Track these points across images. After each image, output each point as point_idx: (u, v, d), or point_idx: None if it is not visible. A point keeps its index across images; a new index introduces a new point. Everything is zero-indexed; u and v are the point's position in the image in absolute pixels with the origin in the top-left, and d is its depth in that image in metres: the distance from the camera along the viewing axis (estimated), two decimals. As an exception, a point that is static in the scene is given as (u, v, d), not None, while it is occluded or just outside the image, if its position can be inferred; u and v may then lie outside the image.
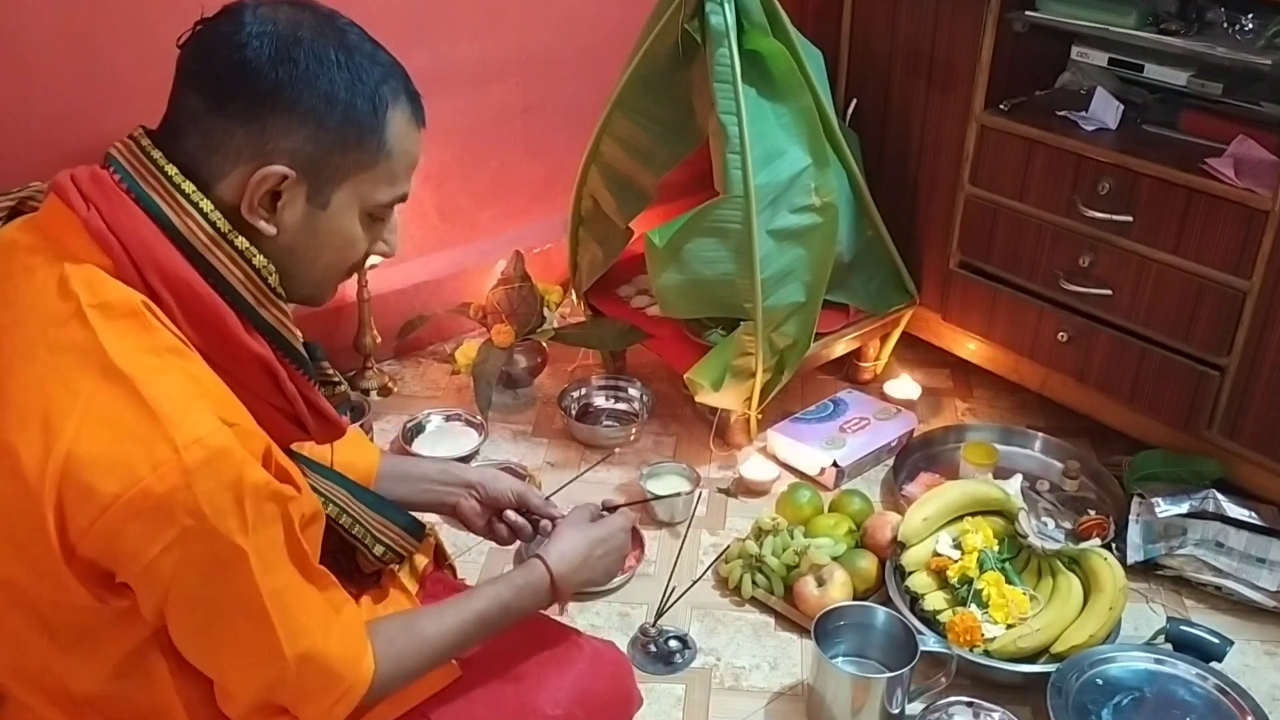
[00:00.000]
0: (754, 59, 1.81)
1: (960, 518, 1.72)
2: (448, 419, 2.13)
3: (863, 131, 2.13)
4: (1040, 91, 2.03)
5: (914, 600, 1.65)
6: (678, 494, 1.88)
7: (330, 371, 1.12)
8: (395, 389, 2.25)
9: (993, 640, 1.55)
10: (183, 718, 1.06)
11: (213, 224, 0.92)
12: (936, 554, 1.66)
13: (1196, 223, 1.72)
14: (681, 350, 2.04)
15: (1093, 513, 1.86)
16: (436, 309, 2.28)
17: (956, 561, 1.64)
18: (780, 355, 1.96)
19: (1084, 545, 1.63)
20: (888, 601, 1.63)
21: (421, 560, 1.43)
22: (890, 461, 2.04)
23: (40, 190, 1.00)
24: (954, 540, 1.68)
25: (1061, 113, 1.92)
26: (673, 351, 2.08)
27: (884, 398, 2.21)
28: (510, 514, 1.51)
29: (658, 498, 1.87)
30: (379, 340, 2.21)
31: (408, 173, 1.01)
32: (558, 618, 1.44)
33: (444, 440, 2.08)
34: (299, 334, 1.02)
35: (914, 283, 2.18)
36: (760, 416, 2.06)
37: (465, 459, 2.02)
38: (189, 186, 0.92)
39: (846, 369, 2.30)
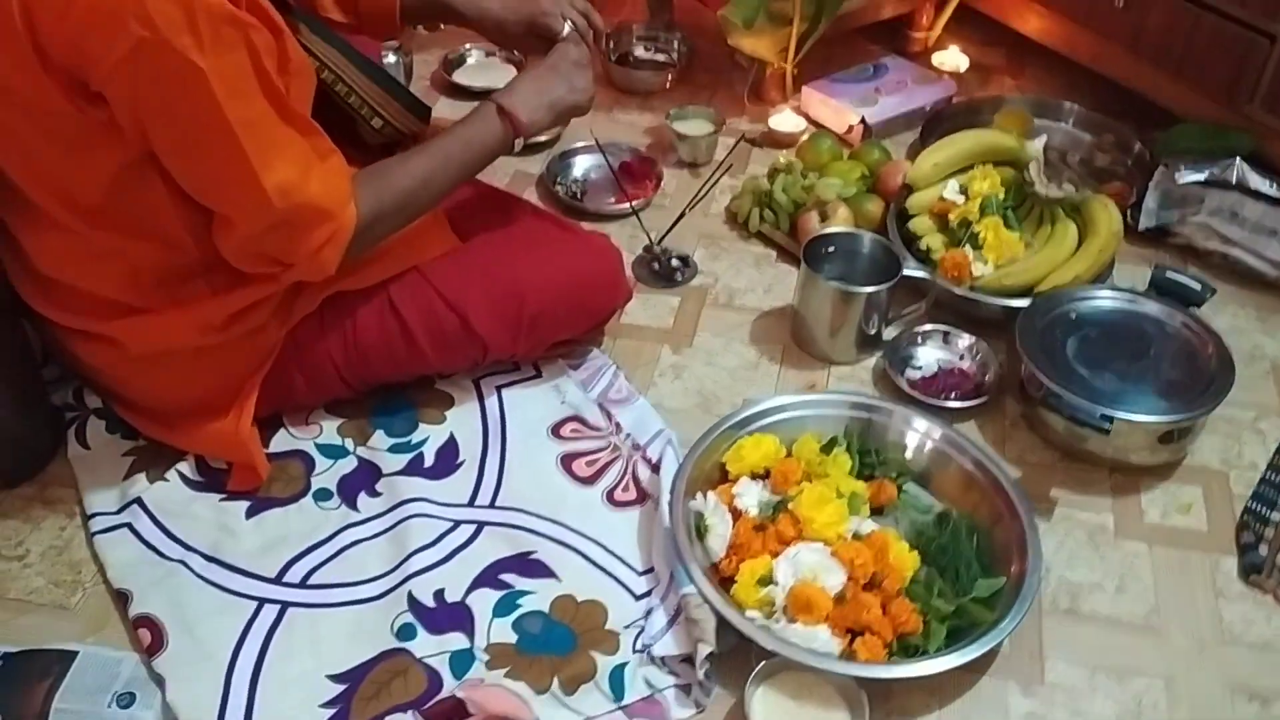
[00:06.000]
0: None
1: (972, 167, 1.72)
2: (488, 55, 2.16)
3: None
4: None
5: (912, 241, 1.67)
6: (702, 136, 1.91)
7: None
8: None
9: (980, 278, 1.59)
10: (183, 237, 1.13)
11: None
12: (942, 199, 1.67)
13: None
14: (722, -5, 2.00)
15: (1116, 183, 1.84)
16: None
17: (960, 206, 1.65)
18: (819, 1, 1.91)
19: (1086, 194, 1.62)
20: (886, 240, 1.66)
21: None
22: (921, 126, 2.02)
23: None
24: (960, 187, 1.68)
25: None
26: (714, -4, 2.04)
27: (930, 68, 2.16)
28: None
29: (682, 137, 1.90)
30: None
31: None
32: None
33: (483, 74, 2.11)
34: None
35: (976, -61, 2.08)
36: (796, 73, 2.04)
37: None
38: None
39: (897, 39, 2.24)
